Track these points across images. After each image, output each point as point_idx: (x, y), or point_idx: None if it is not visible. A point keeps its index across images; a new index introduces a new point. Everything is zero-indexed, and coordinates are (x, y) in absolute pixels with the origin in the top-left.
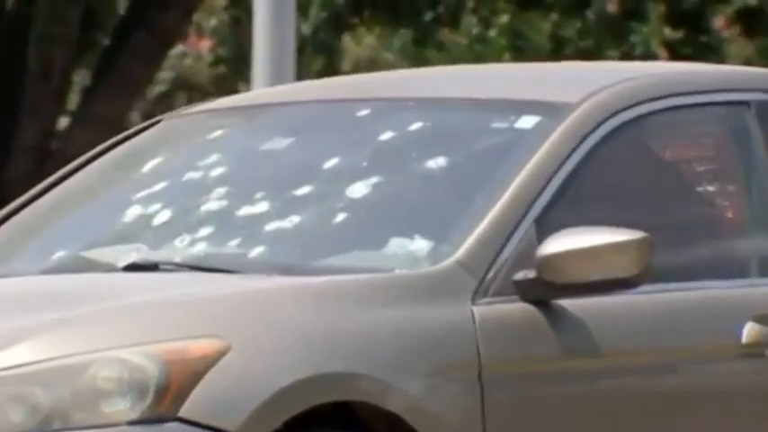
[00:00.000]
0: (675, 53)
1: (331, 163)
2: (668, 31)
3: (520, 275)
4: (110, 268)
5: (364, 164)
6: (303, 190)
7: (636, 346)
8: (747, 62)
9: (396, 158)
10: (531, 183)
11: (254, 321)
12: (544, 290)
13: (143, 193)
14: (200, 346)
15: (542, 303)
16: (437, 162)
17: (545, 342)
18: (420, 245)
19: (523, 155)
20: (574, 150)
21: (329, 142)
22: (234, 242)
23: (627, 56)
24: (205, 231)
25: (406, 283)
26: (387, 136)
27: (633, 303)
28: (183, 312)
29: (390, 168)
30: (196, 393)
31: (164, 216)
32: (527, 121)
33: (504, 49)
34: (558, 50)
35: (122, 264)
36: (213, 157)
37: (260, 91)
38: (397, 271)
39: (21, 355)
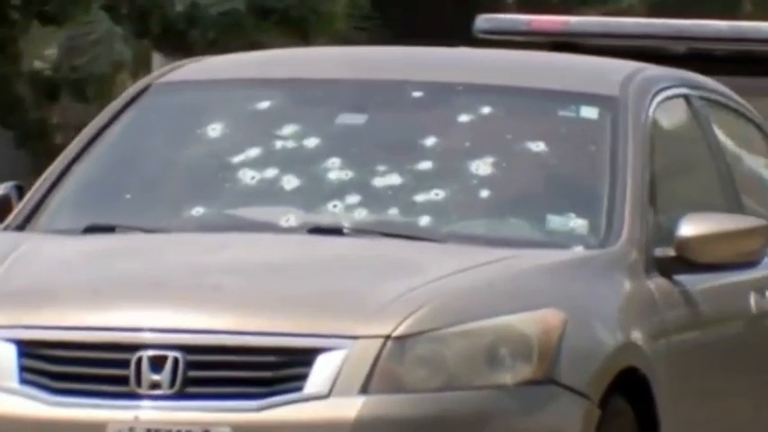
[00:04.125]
0: None
1: (431, 141)
2: None
3: (659, 253)
4: (275, 228)
5: (467, 143)
6: (424, 165)
7: (730, 311)
8: None
9: (493, 140)
10: (641, 167)
11: (566, 291)
12: (682, 267)
13: (240, 158)
14: (555, 316)
15: (670, 277)
16: (537, 145)
17: (685, 309)
18: (578, 223)
19: (614, 142)
20: (643, 136)
21: (408, 121)
22: (393, 211)
23: None
24: (353, 199)
25: (613, 260)
26: (464, 118)
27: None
28: (524, 284)
29: (496, 149)
30: (559, 358)
31: (292, 182)
32: (589, 112)
33: None
34: None
35: (286, 224)
36: (291, 128)
37: (262, 60)
38: (575, 248)
39: (425, 320)
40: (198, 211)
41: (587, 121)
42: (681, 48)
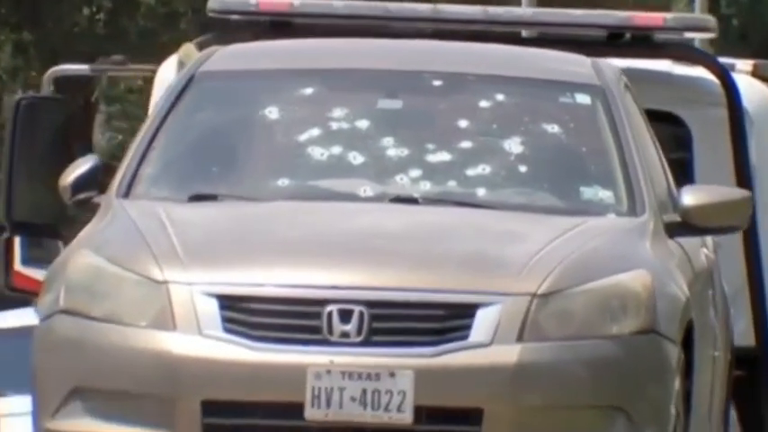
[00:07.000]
0: None
1: (464, 123)
2: None
3: (667, 218)
4: (356, 198)
5: (494, 126)
6: (465, 144)
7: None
8: None
9: (514, 123)
10: (640, 145)
11: (640, 254)
12: (687, 231)
13: (304, 137)
14: (648, 275)
15: (673, 239)
16: (553, 127)
17: (689, 265)
18: (606, 194)
19: (612, 123)
20: (631, 119)
21: (439, 106)
22: (452, 183)
23: None
24: (414, 173)
25: (648, 225)
26: (485, 104)
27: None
28: (617, 248)
29: (520, 131)
30: (656, 311)
31: (358, 157)
32: (583, 98)
33: None
34: None
35: (364, 194)
36: (339, 111)
37: (292, 50)
38: (608, 215)
39: (559, 280)
40: (283, 182)
41: (583, 106)
42: (397, 26)
